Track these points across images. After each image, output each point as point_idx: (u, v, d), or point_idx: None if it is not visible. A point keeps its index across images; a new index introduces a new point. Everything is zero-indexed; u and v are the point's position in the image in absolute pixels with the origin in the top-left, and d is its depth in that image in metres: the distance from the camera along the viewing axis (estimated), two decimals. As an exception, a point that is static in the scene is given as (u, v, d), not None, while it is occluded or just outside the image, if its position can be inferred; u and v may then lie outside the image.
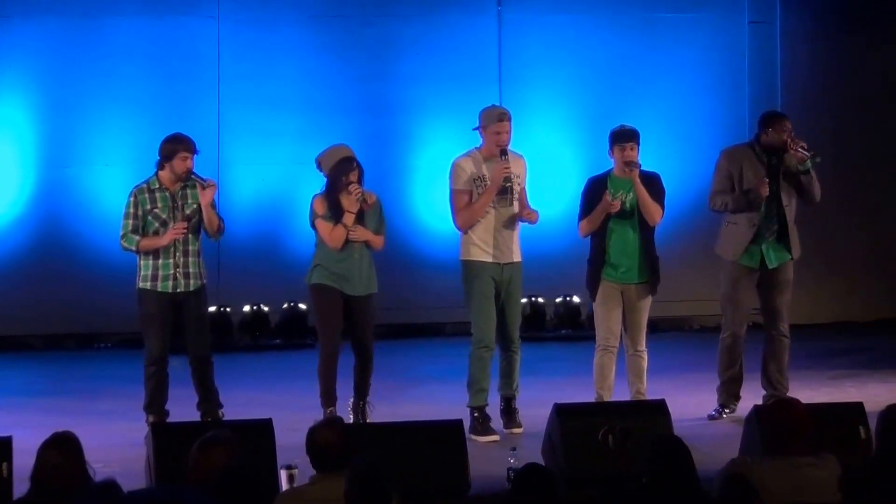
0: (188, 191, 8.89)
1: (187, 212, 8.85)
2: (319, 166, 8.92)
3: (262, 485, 5.16)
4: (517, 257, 8.95)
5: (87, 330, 12.73)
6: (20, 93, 12.54)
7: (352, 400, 8.91)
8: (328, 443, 5.81)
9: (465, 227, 8.85)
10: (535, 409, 8.51)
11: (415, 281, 12.89)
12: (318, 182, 8.99)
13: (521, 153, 9.07)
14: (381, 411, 8.91)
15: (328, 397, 8.84)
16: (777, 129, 9.16)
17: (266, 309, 12.81)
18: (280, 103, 12.85)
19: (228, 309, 12.59)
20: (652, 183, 9.00)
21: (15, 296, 12.46)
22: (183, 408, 8.79)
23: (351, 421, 8.75)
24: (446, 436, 7.33)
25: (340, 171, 8.78)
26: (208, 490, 5.05)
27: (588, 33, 13.37)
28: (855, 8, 13.76)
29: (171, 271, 8.80)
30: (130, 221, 8.85)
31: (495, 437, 8.68)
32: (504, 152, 8.81)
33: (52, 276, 12.51)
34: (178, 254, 8.81)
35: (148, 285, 8.82)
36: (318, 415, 8.38)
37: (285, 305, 12.76)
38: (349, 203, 8.77)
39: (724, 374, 9.26)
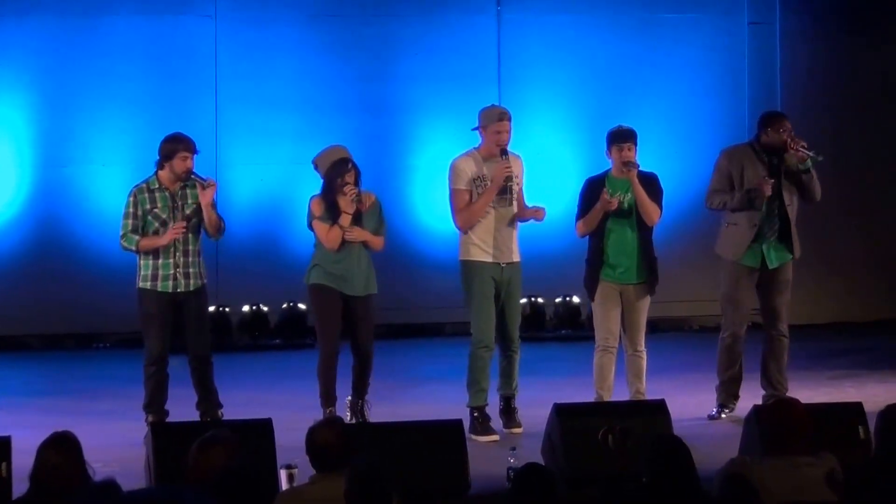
0: (188, 190, 8.88)
1: (187, 212, 8.84)
2: (316, 167, 8.93)
3: (262, 484, 5.15)
4: (517, 257, 8.95)
5: (86, 330, 12.72)
6: (17, 92, 12.51)
7: (349, 398, 8.91)
8: (328, 443, 5.81)
9: (465, 227, 8.85)
10: (535, 408, 8.51)
11: (414, 281, 12.89)
12: (317, 182, 8.99)
13: (519, 153, 9.07)
14: (381, 411, 8.91)
15: (328, 397, 8.84)
16: (776, 128, 9.16)
17: (265, 309, 12.80)
18: (278, 103, 12.84)
19: (227, 309, 12.58)
20: (650, 183, 9.00)
21: (12, 296, 12.45)
22: (182, 407, 8.79)
23: (348, 419, 8.75)
24: (446, 436, 7.32)
25: (336, 173, 8.78)
26: (208, 490, 5.05)
27: (588, 34, 13.36)
28: (854, 9, 13.76)
29: (171, 271, 8.80)
30: (130, 221, 8.84)
31: (495, 437, 8.68)
32: (504, 152, 8.81)
33: (49, 276, 12.50)
34: (178, 254, 8.81)
35: (148, 285, 8.82)
36: (317, 415, 8.38)
37: (285, 305, 12.76)
38: (345, 204, 8.77)
39: (723, 373, 9.26)
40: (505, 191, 8.83)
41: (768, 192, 9.06)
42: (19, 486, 6.14)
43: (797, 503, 5.57)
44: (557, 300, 13.17)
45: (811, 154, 9.08)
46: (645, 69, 13.39)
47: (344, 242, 8.79)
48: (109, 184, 12.44)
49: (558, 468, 7.26)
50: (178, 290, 8.80)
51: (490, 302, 8.82)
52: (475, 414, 8.77)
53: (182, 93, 12.67)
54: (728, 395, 9.25)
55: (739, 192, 9.12)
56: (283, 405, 9.21)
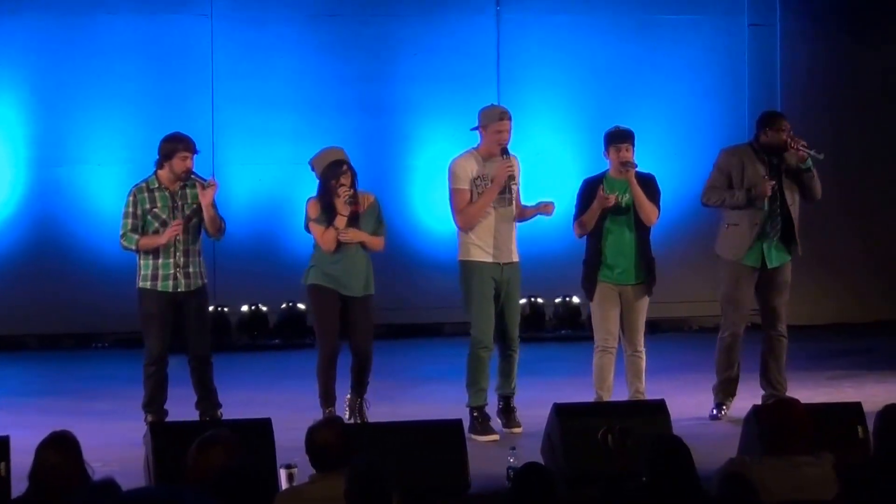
0: (188, 190, 8.87)
1: (187, 212, 8.83)
2: (313, 169, 8.93)
3: (262, 484, 5.13)
4: (515, 257, 8.95)
5: (84, 329, 12.71)
6: (12, 91, 12.49)
7: (349, 397, 8.91)
8: (327, 443, 5.81)
9: (466, 227, 8.83)
10: (535, 409, 8.51)
11: (414, 281, 12.89)
12: (315, 182, 8.98)
13: (516, 154, 9.05)
14: (381, 411, 8.90)
15: (327, 397, 8.84)
16: (776, 128, 9.16)
17: (265, 309, 12.80)
18: (276, 103, 12.82)
19: (226, 309, 12.57)
20: (647, 184, 9.00)
21: (9, 295, 12.44)
22: (182, 407, 8.79)
23: (347, 417, 8.75)
24: (446, 435, 7.33)
25: (330, 175, 8.78)
26: (207, 489, 5.04)
27: (587, 34, 13.35)
28: (854, 10, 13.76)
29: (172, 271, 8.79)
30: (130, 221, 8.83)
31: (495, 437, 8.68)
32: (505, 151, 8.81)
33: (46, 276, 12.48)
34: (178, 254, 8.80)
35: (148, 285, 8.81)
36: (317, 415, 8.38)
37: (284, 305, 12.75)
38: (341, 206, 8.76)
39: (722, 373, 9.27)
40: (505, 190, 8.83)
41: (769, 192, 9.06)
42: (18, 486, 6.14)
43: (796, 502, 5.57)
44: (557, 300, 13.17)
45: (812, 152, 9.09)
46: (645, 70, 13.39)
47: (341, 244, 8.79)
48: (106, 183, 12.43)
49: (558, 468, 7.26)
50: (179, 290, 8.79)
51: (490, 302, 8.82)
52: (475, 414, 8.77)
53: (178, 92, 12.65)
54: (726, 394, 9.27)
55: (740, 191, 9.13)
56: (283, 405, 9.20)
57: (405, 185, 13.01)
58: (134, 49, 12.65)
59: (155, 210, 8.81)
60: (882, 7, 13.80)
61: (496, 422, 8.86)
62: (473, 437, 8.56)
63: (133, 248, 8.83)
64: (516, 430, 8.80)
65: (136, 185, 8.93)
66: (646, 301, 9.02)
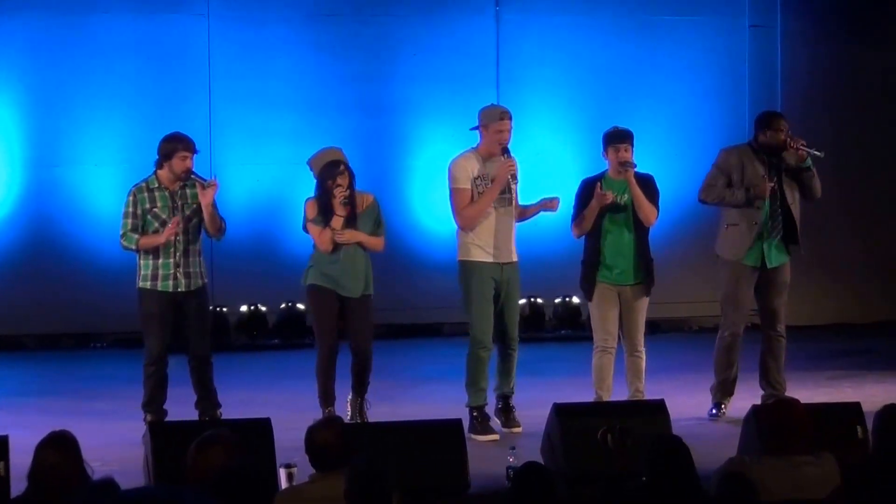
0: (188, 190, 8.87)
1: (187, 212, 8.83)
2: (311, 169, 8.92)
3: (261, 484, 5.13)
4: (515, 257, 8.95)
5: (82, 329, 12.69)
6: (7, 90, 12.44)
7: (350, 397, 8.91)
8: (327, 443, 5.82)
9: (468, 226, 8.82)
10: (535, 409, 8.51)
11: (413, 281, 12.87)
12: (313, 182, 8.97)
13: (515, 154, 9.03)
14: (381, 411, 8.90)
15: (326, 397, 8.84)
16: (774, 128, 9.17)
17: (264, 309, 12.79)
18: (274, 103, 12.77)
19: (225, 309, 12.56)
20: (646, 184, 9.00)
21: (7, 295, 12.41)
22: (181, 407, 8.78)
23: (349, 417, 8.75)
24: (446, 435, 7.33)
25: (327, 175, 8.78)
26: (207, 489, 5.04)
27: (587, 35, 13.33)
28: (855, 11, 13.74)
29: (172, 271, 8.78)
30: (130, 220, 8.82)
31: (495, 437, 8.69)
32: (506, 150, 8.80)
33: (43, 276, 12.44)
34: (178, 254, 8.80)
35: (148, 285, 8.81)
36: (316, 415, 8.37)
37: (283, 305, 12.74)
38: (338, 206, 8.76)
39: (722, 372, 9.27)
40: (505, 190, 8.83)
41: (767, 193, 9.07)
42: (17, 485, 6.14)
43: (796, 501, 5.57)
44: (557, 301, 13.16)
45: (811, 151, 9.10)
46: (645, 71, 13.37)
47: (338, 244, 8.79)
48: (102, 184, 12.40)
49: (558, 468, 7.26)
50: (179, 290, 8.79)
51: (489, 303, 8.82)
52: (474, 413, 8.77)
53: (175, 93, 12.60)
54: (724, 394, 9.28)
55: (739, 190, 9.13)
56: (282, 405, 9.20)
57: (404, 186, 13.00)
58: (130, 49, 12.59)
59: (155, 210, 8.81)
60: (882, 8, 13.79)
61: (495, 422, 8.85)
62: (473, 436, 8.56)
63: (133, 247, 8.82)
64: (516, 429, 8.80)
65: (136, 184, 8.92)
66: (645, 301, 9.02)
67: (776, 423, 6.07)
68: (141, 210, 8.81)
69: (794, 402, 6.35)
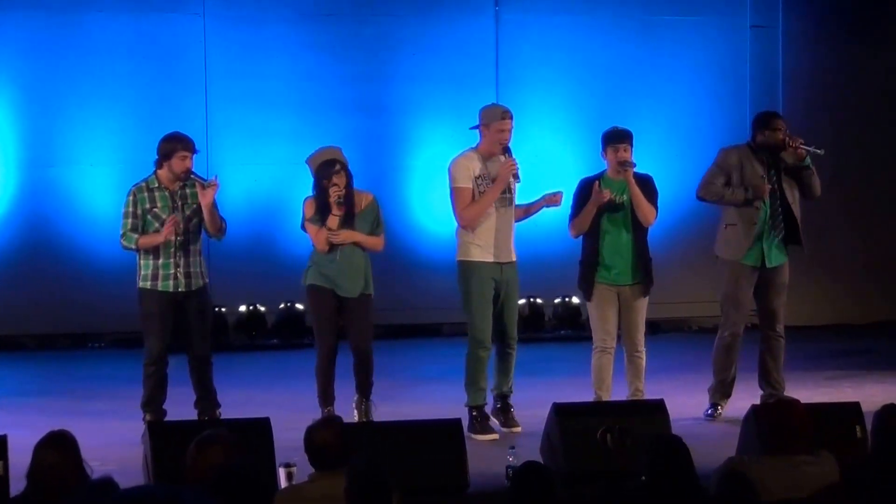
0: (188, 190, 8.86)
1: (187, 212, 8.82)
2: (309, 168, 8.92)
3: (261, 483, 5.13)
4: (514, 256, 8.95)
5: (80, 330, 12.66)
6: (1, 90, 12.37)
7: (355, 399, 8.90)
8: (326, 442, 5.82)
9: (470, 225, 8.80)
10: (534, 408, 8.51)
11: (412, 282, 12.86)
12: (312, 182, 8.97)
13: (514, 154, 9.02)
14: (381, 410, 8.89)
15: (325, 397, 8.84)
16: (772, 128, 9.18)
17: (263, 309, 12.77)
18: (271, 103, 12.72)
19: (224, 309, 12.54)
20: (645, 184, 9.00)
21: (4, 296, 12.38)
22: (180, 406, 8.78)
23: (355, 419, 8.74)
24: (445, 434, 7.33)
25: (323, 174, 8.78)
26: (206, 489, 5.04)
27: (587, 35, 13.30)
28: (857, 12, 13.72)
29: (172, 271, 8.78)
30: (129, 220, 8.81)
31: (495, 436, 8.69)
32: (507, 150, 8.79)
33: (39, 277, 12.40)
34: (178, 253, 8.79)
35: (148, 285, 8.80)
36: (316, 414, 8.37)
37: (282, 305, 12.73)
38: (334, 205, 8.75)
39: (721, 373, 9.27)
40: (506, 190, 8.82)
41: (766, 195, 9.08)
42: (16, 485, 6.14)
43: (794, 500, 5.57)
44: (556, 301, 13.15)
45: (811, 149, 9.10)
46: (645, 72, 13.34)
47: (335, 244, 8.78)
48: (98, 184, 12.37)
49: (557, 467, 7.27)
50: (179, 290, 8.78)
51: (489, 303, 8.82)
52: (474, 413, 8.77)
53: (171, 92, 12.54)
54: (722, 395, 9.28)
55: (738, 189, 9.12)
56: (282, 405, 9.20)
57: (403, 186, 12.98)
58: (126, 48, 12.53)
59: (155, 210, 8.80)
60: (884, 9, 13.77)
61: (494, 421, 8.85)
62: (473, 436, 8.57)
63: (133, 247, 8.82)
64: (516, 429, 8.80)
65: (136, 184, 8.91)
66: (644, 301, 9.01)
67: (776, 422, 6.07)
68: (141, 210, 8.80)
69: (795, 401, 6.35)
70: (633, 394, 8.93)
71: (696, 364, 10.48)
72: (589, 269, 9.00)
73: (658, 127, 12.99)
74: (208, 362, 8.90)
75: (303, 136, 12.00)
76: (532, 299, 12.98)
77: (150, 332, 8.79)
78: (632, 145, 8.97)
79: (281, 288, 12.34)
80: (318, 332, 8.94)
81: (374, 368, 8.89)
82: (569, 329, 13.02)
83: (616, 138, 8.97)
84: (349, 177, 8.81)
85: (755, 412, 7.21)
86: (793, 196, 9.21)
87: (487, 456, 7.93)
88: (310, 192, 8.91)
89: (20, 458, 5.98)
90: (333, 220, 8.76)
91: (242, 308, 12.76)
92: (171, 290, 8.77)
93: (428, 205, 12.76)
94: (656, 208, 9.00)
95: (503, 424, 8.85)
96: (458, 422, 7.52)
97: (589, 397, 8.88)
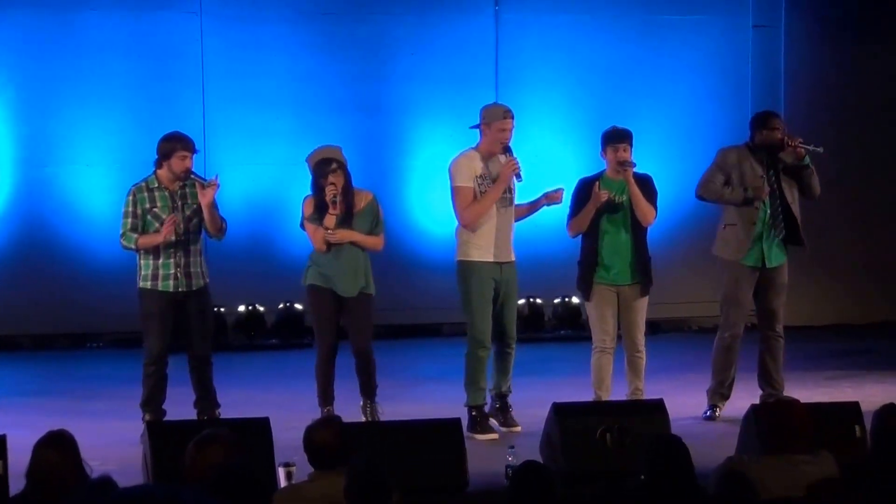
0: (188, 190, 8.85)
1: (187, 212, 8.82)
2: (308, 166, 8.92)
3: (260, 482, 5.14)
4: (513, 256, 8.95)
5: (78, 330, 12.64)
6: (-5, 89, 12.36)
7: (361, 403, 8.90)
8: (325, 442, 5.82)
9: (472, 224, 8.79)
10: (534, 408, 8.52)
11: (412, 282, 12.84)
12: (310, 182, 8.96)
13: (514, 153, 9.02)
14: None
15: (325, 397, 8.84)
16: (770, 127, 9.18)
17: (262, 309, 12.76)
18: (269, 102, 12.67)
19: (223, 309, 12.52)
20: (644, 184, 8.99)
21: (1, 295, 12.35)
22: (180, 406, 8.78)
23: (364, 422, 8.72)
24: (445, 434, 7.34)
25: (319, 173, 8.78)
26: (205, 488, 5.04)
27: (588, 35, 13.26)
28: (860, 12, 13.68)
29: (172, 271, 8.77)
30: (129, 220, 8.80)
31: (494, 436, 8.69)
32: (508, 149, 8.79)
33: (36, 276, 12.36)
34: (178, 253, 8.79)
35: (149, 285, 8.79)
36: (315, 414, 8.37)
37: (281, 305, 12.73)
38: (329, 204, 8.75)
39: (720, 373, 9.27)
40: (506, 190, 8.82)
41: (765, 195, 9.08)
42: (15, 484, 6.14)
43: (793, 499, 5.58)
44: (556, 301, 13.14)
45: (810, 147, 9.10)
46: (646, 71, 13.30)
47: (332, 243, 8.78)
48: (94, 184, 12.33)
49: (557, 466, 7.27)
50: (180, 290, 8.77)
51: (488, 303, 8.82)
52: (473, 413, 8.77)
53: (168, 92, 12.47)
54: (721, 397, 9.28)
55: (738, 188, 9.12)
56: (281, 404, 9.20)
57: (402, 186, 12.95)
58: (121, 47, 12.45)
59: (155, 210, 8.79)
60: (887, 9, 13.72)
61: (493, 421, 8.85)
62: (472, 435, 8.57)
63: (132, 247, 8.81)
64: (515, 429, 8.81)
65: (136, 184, 8.90)
66: (644, 301, 9.01)
67: (776, 422, 6.07)
68: (141, 210, 8.79)
69: (795, 401, 6.37)
70: (632, 393, 8.93)
71: (695, 364, 10.49)
72: (588, 269, 9.00)
73: (659, 127, 12.97)
74: (208, 362, 8.90)
75: (301, 136, 11.97)
76: (532, 299, 12.97)
77: (150, 331, 8.78)
78: (631, 145, 8.97)
79: (280, 288, 12.33)
80: (317, 332, 8.94)
81: (376, 369, 8.89)
82: (568, 329, 13.01)
83: (616, 138, 8.97)
84: (347, 176, 8.80)
85: (755, 412, 7.22)
86: (792, 196, 9.21)
87: (487, 455, 7.93)
88: (309, 191, 8.91)
89: (20, 457, 5.98)
90: (330, 219, 8.75)
91: (241, 308, 12.74)
92: (171, 290, 8.77)
93: (427, 205, 12.75)
94: (655, 208, 8.99)
95: (502, 424, 8.85)
96: (457, 421, 7.52)
97: (588, 397, 8.88)
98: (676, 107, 13.34)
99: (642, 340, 8.99)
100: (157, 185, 8.83)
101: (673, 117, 13.29)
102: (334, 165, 8.74)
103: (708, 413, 9.24)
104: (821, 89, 13.58)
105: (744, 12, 13.53)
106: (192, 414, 8.76)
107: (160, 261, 8.77)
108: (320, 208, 8.78)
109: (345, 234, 8.78)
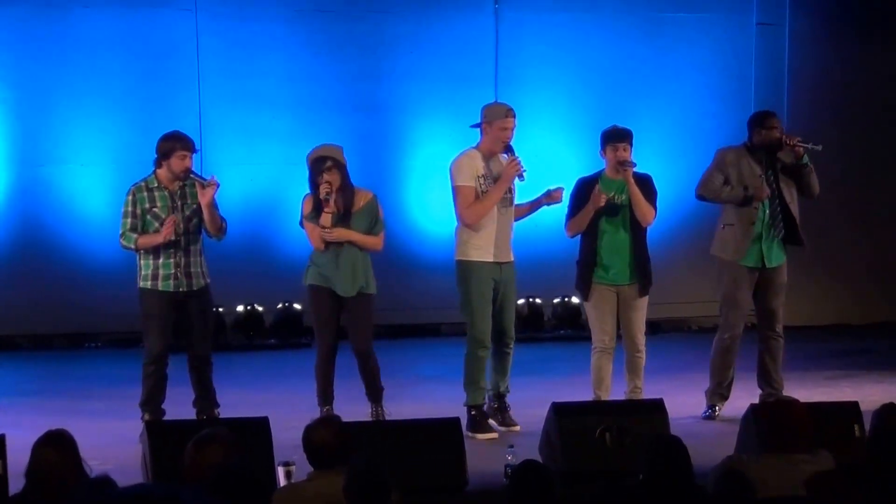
0: (188, 190, 8.85)
1: (187, 212, 8.81)
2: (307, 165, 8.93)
3: (259, 482, 5.14)
4: (512, 256, 8.95)
5: (76, 330, 12.62)
6: (-12, 88, 12.31)
7: (370, 409, 8.90)
8: (324, 442, 5.82)
9: (474, 223, 8.77)
10: (533, 408, 8.51)
11: (411, 282, 12.82)
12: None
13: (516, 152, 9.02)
14: (380, 410, 8.92)
15: (324, 396, 8.84)
16: (768, 127, 9.18)
17: (260, 309, 12.75)
18: (266, 101, 12.62)
19: (222, 309, 12.51)
20: (644, 184, 8.98)
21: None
22: (179, 406, 8.78)
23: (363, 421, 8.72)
24: (444, 433, 7.34)
25: (314, 171, 8.78)
26: (205, 487, 5.04)
27: (589, 33, 13.23)
28: (865, 11, 13.66)
29: (172, 271, 8.77)
30: (129, 220, 8.79)
31: (494, 435, 8.69)
32: (510, 148, 8.78)
33: (32, 276, 12.34)
34: (179, 253, 8.78)
35: (149, 285, 8.79)
36: (315, 414, 8.37)
37: (280, 305, 12.72)
38: (325, 203, 8.75)
39: (719, 374, 9.27)
40: (507, 190, 8.82)
41: (765, 195, 9.07)
42: (15, 484, 6.14)
43: (792, 498, 5.58)
44: (556, 301, 13.13)
45: (809, 145, 9.10)
46: (648, 70, 13.26)
47: (330, 242, 8.78)
48: (89, 184, 12.30)
49: (556, 466, 7.27)
50: (180, 290, 8.77)
51: (488, 303, 8.82)
52: (473, 412, 8.77)
53: (163, 90, 12.41)
54: (720, 397, 9.28)
55: (738, 186, 9.12)
56: (280, 404, 9.20)
57: (401, 186, 12.93)
58: (114, 45, 12.38)
59: (154, 210, 8.79)
60: (893, 8, 13.69)
61: (492, 421, 8.86)
62: (472, 435, 8.57)
63: (132, 247, 8.80)
64: (514, 428, 8.81)
65: (136, 184, 8.89)
66: (643, 301, 9.00)
67: (775, 421, 6.07)
68: (140, 209, 8.78)
69: (794, 401, 6.36)
70: (631, 391, 8.94)
71: (695, 364, 10.49)
72: (586, 269, 8.99)
73: (661, 126, 12.95)
74: (208, 362, 8.90)
75: (298, 135, 11.95)
76: (531, 299, 12.96)
77: (151, 331, 8.78)
78: (631, 145, 8.96)
79: (278, 288, 12.32)
80: (317, 332, 8.94)
81: (380, 371, 8.88)
82: (568, 329, 13.01)
83: (616, 137, 8.96)
84: (344, 174, 8.79)
85: (754, 411, 7.22)
86: (791, 195, 9.20)
87: (486, 455, 7.93)
88: (308, 190, 8.91)
89: (19, 457, 5.97)
90: (326, 218, 8.74)
91: (240, 308, 12.73)
92: (171, 290, 8.76)
93: (426, 204, 12.74)
94: (655, 208, 8.98)
95: (500, 424, 8.85)
96: (456, 420, 7.52)
97: (588, 397, 8.88)
98: (678, 106, 13.31)
99: (642, 340, 8.99)
100: (156, 184, 8.82)
101: (675, 116, 13.26)
102: (329, 163, 8.73)
103: (707, 413, 9.24)
104: (825, 88, 13.55)
105: (747, 10, 13.48)
106: (191, 413, 8.76)
107: (160, 261, 8.76)
108: (318, 207, 8.78)
109: (342, 233, 8.78)
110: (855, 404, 7.64)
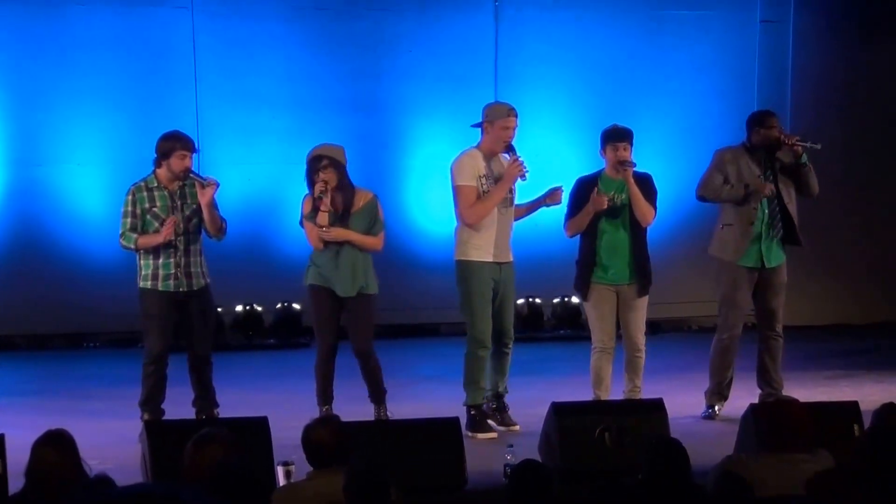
0: (187, 190, 8.85)
1: (187, 212, 8.81)
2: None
3: (259, 481, 5.14)
4: (511, 256, 8.94)
5: (75, 330, 12.61)
6: (-16, 87, 12.28)
7: (374, 410, 8.90)
8: (323, 441, 5.83)
9: (476, 223, 8.76)
10: (533, 407, 8.52)
11: (410, 282, 12.81)
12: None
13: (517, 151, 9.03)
14: (380, 409, 8.92)
15: (324, 396, 8.84)
16: (767, 126, 9.17)
17: (259, 309, 12.75)
18: (264, 100, 12.60)
19: (221, 309, 12.47)
20: (644, 183, 8.97)
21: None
22: (179, 405, 8.78)
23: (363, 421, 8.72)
24: (443, 433, 7.34)
25: (310, 170, 8.78)
26: (204, 487, 5.04)
27: (590, 30, 13.20)
28: (868, 8, 13.63)
29: (173, 271, 8.76)
30: (129, 220, 8.78)
31: (493, 434, 8.69)
32: (511, 147, 8.78)
33: (30, 276, 12.33)
34: (179, 253, 8.78)
35: (149, 285, 8.79)
36: (314, 413, 8.36)
37: (279, 305, 12.72)
38: (324, 203, 8.74)
39: (718, 374, 9.27)
40: (508, 190, 8.81)
41: (768, 193, 9.07)
42: (14, 483, 6.14)
43: (791, 497, 5.58)
44: (555, 300, 13.13)
45: (808, 144, 9.09)
46: (649, 68, 13.23)
47: (328, 241, 8.77)
48: (86, 184, 12.28)
49: (555, 465, 7.27)
50: (180, 290, 8.76)
51: (488, 303, 8.81)
52: (472, 412, 8.77)
53: (160, 89, 12.39)
54: (719, 397, 9.27)
55: (738, 185, 9.11)
56: (280, 404, 9.20)
57: (400, 185, 12.92)
58: (111, 44, 12.35)
59: (154, 209, 8.78)
60: (896, 4, 13.72)
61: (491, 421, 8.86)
62: (471, 434, 8.57)
63: (132, 247, 8.80)
64: (514, 428, 8.81)
65: (135, 183, 8.88)
66: (643, 301, 8.99)
67: (775, 421, 6.07)
68: (140, 209, 8.78)
69: (793, 401, 6.36)
70: (630, 390, 8.93)
71: (695, 364, 10.49)
72: (585, 269, 8.99)
73: (663, 125, 12.94)
74: (208, 362, 8.90)
75: (296, 135, 11.95)
76: (531, 299, 12.96)
77: (151, 331, 8.78)
78: (632, 144, 8.94)
79: (278, 287, 12.32)
80: (317, 332, 8.95)
81: (382, 372, 8.87)
82: (568, 329, 13.02)
83: (616, 137, 8.95)
84: (342, 174, 8.78)
85: (753, 411, 7.22)
86: (789, 195, 9.20)
87: (486, 454, 7.93)
88: (307, 190, 8.91)
89: (18, 456, 5.97)
90: (323, 217, 8.74)
91: (239, 308, 12.73)
92: (171, 289, 8.76)
93: (425, 204, 12.73)
94: (655, 208, 8.97)
95: (499, 423, 8.85)
96: (456, 420, 7.52)
97: (587, 397, 8.88)
98: (680, 104, 13.28)
99: (642, 340, 8.98)
100: (156, 184, 8.81)
101: (677, 115, 13.23)
102: (325, 162, 8.73)
103: (706, 413, 9.23)
104: (828, 86, 13.52)
105: (751, 7, 13.43)
106: (190, 413, 8.76)
107: (160, 261, 8.76)
108: (317, 206, 8.78)
109: (340, 233, 8.77)
110: (855, 404, 7.64)
